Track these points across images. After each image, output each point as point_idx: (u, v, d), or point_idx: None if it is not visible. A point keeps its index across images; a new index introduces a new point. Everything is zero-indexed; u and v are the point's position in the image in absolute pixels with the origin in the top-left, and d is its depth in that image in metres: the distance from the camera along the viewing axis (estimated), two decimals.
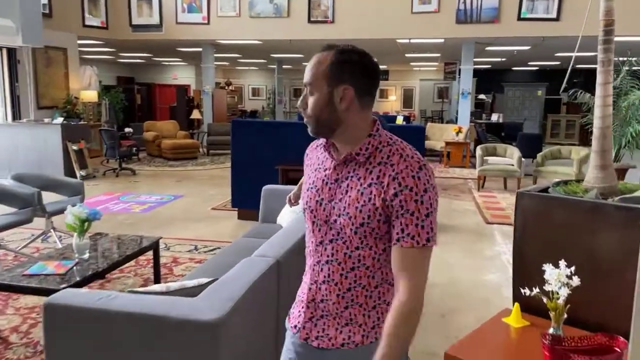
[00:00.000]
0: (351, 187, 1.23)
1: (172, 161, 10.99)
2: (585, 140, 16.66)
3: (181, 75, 20.62)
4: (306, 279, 1.36)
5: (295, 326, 1.36)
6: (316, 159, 1.36)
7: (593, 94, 2.73)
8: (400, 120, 8.76)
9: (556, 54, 14.72)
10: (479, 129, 11.46)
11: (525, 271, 2.37)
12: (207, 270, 2.98)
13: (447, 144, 10.73)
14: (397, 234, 1.17)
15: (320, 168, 1.32)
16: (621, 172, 6.56)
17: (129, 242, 3.66)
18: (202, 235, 5.30)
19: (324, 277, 1.29)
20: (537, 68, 20.22)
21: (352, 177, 1.24)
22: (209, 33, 11.31)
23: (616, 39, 2.52)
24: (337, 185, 1.26)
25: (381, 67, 21.01)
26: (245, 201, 5.70)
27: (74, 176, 8.06)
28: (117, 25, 11.44)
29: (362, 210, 1.20)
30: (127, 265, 3.97)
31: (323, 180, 1.29)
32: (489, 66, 18.78)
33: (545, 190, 2.55)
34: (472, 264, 4.59)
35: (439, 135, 11.88)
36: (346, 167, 1.25)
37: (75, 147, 8.47)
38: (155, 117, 17.62)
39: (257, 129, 6.07)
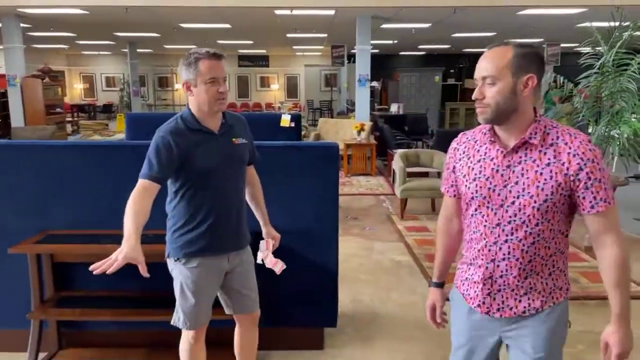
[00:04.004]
0: (527, 170, 1.41)
1: None
2: None
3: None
4: (477, 261, 1.51)
5: (478, 305, 1.53)
6: (474, 151, 1.51)
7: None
8: (286, 122, 5.16)
9: (452, 35, 13.13)
10: (383, 125, 9.11)
11: None
12: None
13: (348, 145, 8.25)
14: (591, 202, 1.38)
15: (484, 159, 1.47)
16: None
17: None
18: None
19: (504, 254, 1.46)
20: (424, 53, 18.78)
21: (525, 160, 1.41)
22: None
23: None
24: (509, 170, 1.43)
25: (260, 51, 17.24)
26: None
27: None
28: None
29: (543, 189, 1.39)
30: None
31: (493, 168, 1.45)
32: (377, 51, 16.82)
33: None
34: None
35: (333, 134, 9.37)
36: (517, 154, 1.42)
37: None
38: None
39: None
